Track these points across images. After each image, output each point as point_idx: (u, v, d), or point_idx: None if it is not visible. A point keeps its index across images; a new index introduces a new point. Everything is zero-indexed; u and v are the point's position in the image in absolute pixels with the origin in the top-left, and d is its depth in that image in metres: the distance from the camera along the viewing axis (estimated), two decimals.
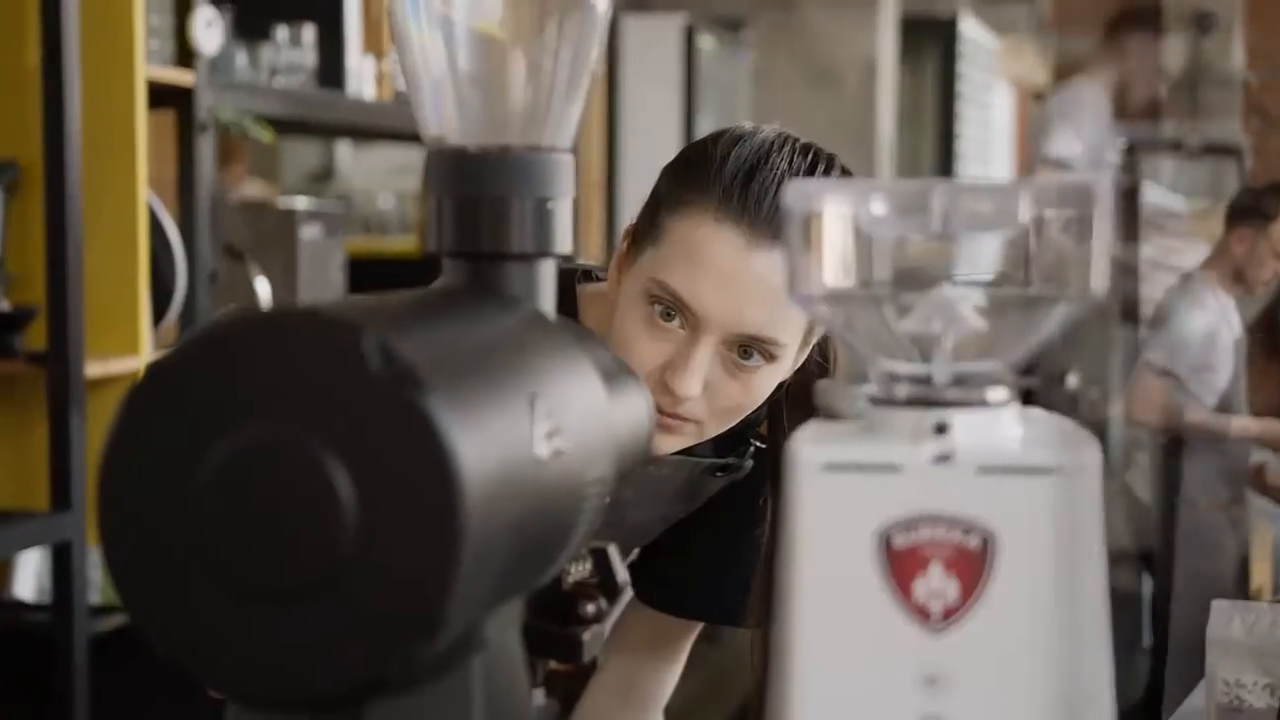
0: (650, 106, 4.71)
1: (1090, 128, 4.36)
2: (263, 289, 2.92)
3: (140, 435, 0.65)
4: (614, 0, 0.84)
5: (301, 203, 3.20)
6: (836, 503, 0.69)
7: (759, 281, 1.25)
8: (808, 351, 1.36)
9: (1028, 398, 0.76)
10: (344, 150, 5.50)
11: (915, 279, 0.73)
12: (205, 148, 2.69)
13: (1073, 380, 4.44)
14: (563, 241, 0.83)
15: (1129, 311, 4.44)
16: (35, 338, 2.44)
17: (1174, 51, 7.56)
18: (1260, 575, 4.36)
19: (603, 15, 0.85)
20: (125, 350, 2.50)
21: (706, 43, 4.84)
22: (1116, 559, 4.03)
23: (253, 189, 4.16)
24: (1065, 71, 10.04)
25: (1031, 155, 4.86)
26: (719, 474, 1.46)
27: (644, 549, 1.51)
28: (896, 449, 0.69)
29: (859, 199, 0.71)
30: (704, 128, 5.51)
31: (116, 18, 2.50)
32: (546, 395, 0.72)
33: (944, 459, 0.69)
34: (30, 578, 2.76)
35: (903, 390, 0.72)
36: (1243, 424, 4.36)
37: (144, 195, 2.52)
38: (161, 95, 2.65)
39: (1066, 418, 0.76)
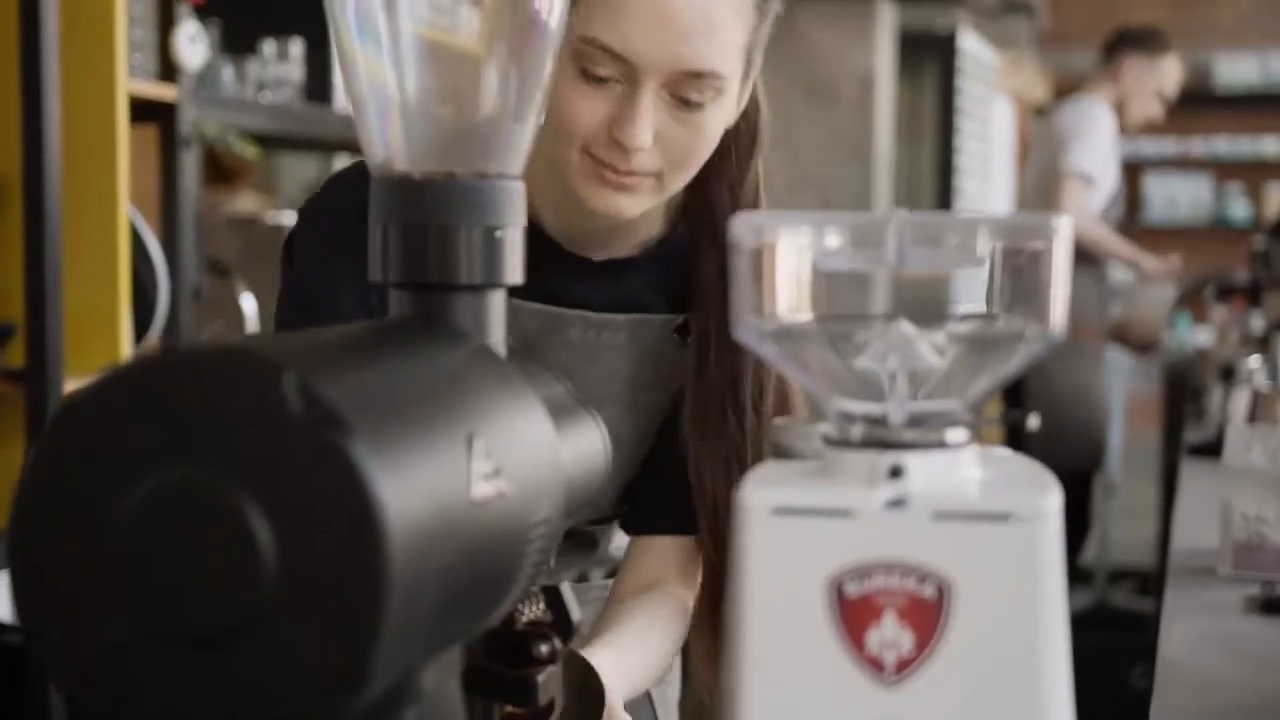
0: None
1: (1103, 142, 4.40)
2: (248, 305, 2.89)
3: (56, 473, 0.62)
4: (566, 22, 0.82)
5: (291, 217, 3.17)
6: (786, 549, 0.66)
7: (688, 12, 1.19)
8: (750, 88, 1.32)
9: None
10: (342, 163, 5.48)
11: (870, 314, 0.70)
12: (188, 163, 2.66)
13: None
14: (513, 271, 0.80)
15: None
16: (14, 355, 2.41)
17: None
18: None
19: (554, 35, 0.82)
20: (105, 368, 2.47)
21: None
22: None
23: (248, 202, 4.13)
24: (1065, 85, 10.04)
25: (1032, 170, 4.80)
26: (677, 335, 1.40)
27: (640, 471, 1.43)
28: (849, 493, 0.67)
29: (811, 231, 0.68)
30: None
31: (98, 31, 2.47)
32: (487, 434, 0.69)
33: (898, 504, 0.66)
34: (7, 597, 2.73)
35: (857, 431, 0.69)
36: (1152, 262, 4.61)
37: (125, 210, 2.49)
38: (145, 110, 2.62)
39: (1029, 458, 0.73)
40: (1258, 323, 4.21)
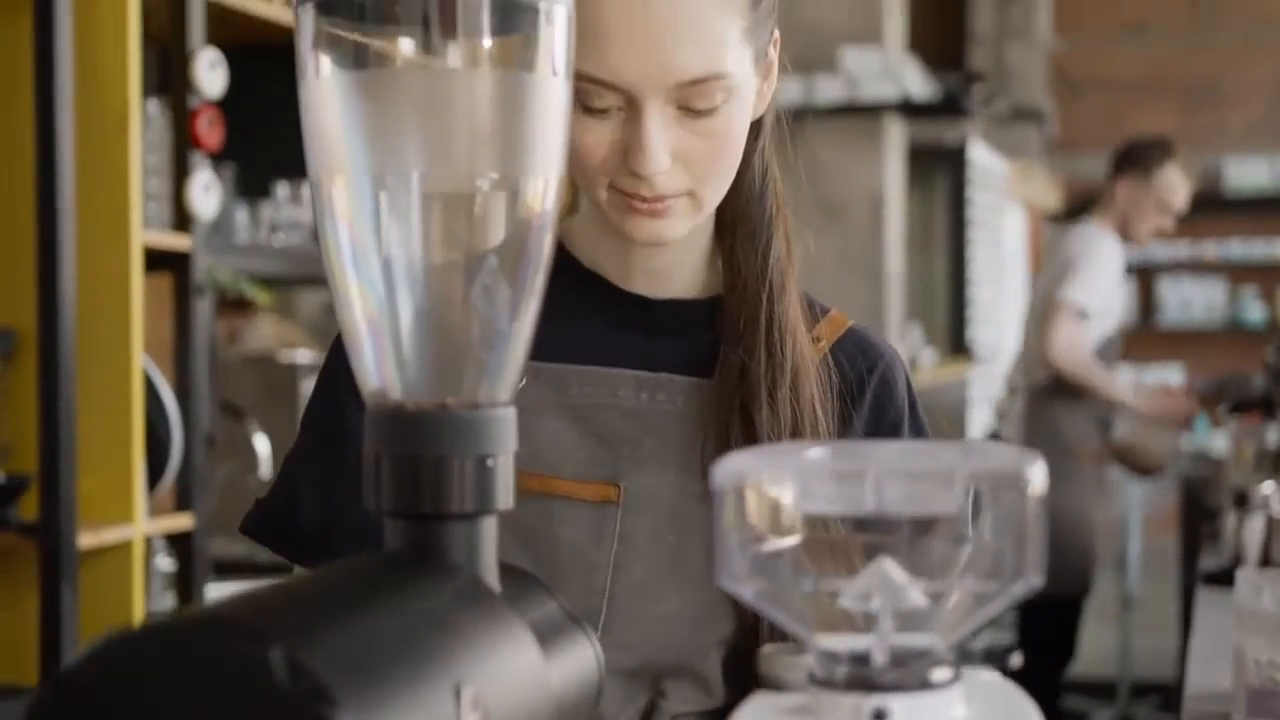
0: None
1: (1105, 275, 4.40)
2: (262, 447, 2.91)
3: None
4: (553, 252, 0.83)
5: (304, 356, 3.20)
6: None
7: (667, 22, 1.11)
8: (774, 73, 1.23)
9: None
10: None
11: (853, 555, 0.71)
12: (202, 310, 2.69)
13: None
14: (504, 498, 0.81)
15: None
16: (28, 507, 2.42)
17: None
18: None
19: (543, 270, 0.83)
20: (119, 519, 2.49)
21: None
22: None
23: (266, 327, 4.17)
24: (1076, 191, 10.10)
25: (1038, 290, 4.80)
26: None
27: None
28: None
29: (791, 476, 0.69)
30: None
31: (114, 183, 2.51)
32: (475, 679, 0.69)
33: None
34: None
35: (841, 672, 0.69)
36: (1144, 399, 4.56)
37: (139, 362, 2.51)
38: (159, 259, 2.66)
39: (1015, 685, 0.73)
40: (1274, 435, 4.20)
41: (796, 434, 1.24)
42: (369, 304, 0.81)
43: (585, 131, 1.15)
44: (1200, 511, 4.58)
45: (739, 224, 1.28)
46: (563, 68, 0.79)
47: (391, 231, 0.80)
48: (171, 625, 0.61)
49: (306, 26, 0.79)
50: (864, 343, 1.32)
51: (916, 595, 0.69)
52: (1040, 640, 4.55)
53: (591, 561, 1.23)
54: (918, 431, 1.32)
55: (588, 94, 1.13)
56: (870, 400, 1.30)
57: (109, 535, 2.47)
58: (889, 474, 0.68)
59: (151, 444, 2.56)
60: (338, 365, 1.28)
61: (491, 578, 0.80)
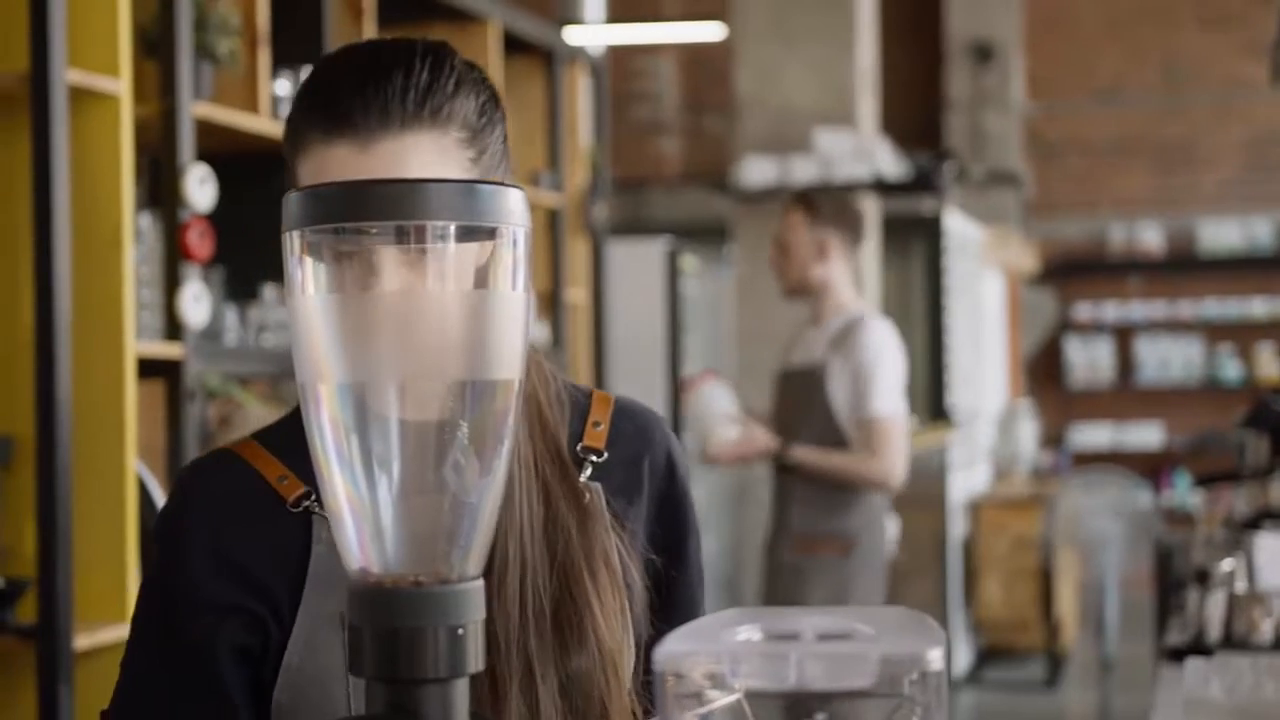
0: (636, 326, 4.83)
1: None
2: None
3: None
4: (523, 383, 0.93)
5: None
6: None
7: (385, 175, 1.19)
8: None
9: None
10: None
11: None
12: (192, 415, 2.79)
13: None
14: (475, 661, 0.91)
15: None
16: (25, 610, 2.51)
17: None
18: None
19: (507, 448, 0.93)
20: (114, 619, 2.57)
21: (689, 263, 4.97)
22: None
23: (256, 413, 4.25)
24: (1053, 254, 10.24)
25: (1020, 343, 4.94)
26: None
27: None
28: None
29: (724, 660, 0.79)
30: (689, 344, 5.64)
31: (108, 296, 2.61)
32: None
33: None
34: None
35: None
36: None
37: (133, 467, 2.61)
38: (152, 366, 2.76)
39: None
40: (1241, 505, 4.28)
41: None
42: (350, 493, 0.91)
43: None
44: (1171, 576, 4.65)
45: None
46: (522, 283, 0.90)
47: (370, 430, 0.90)
48: None
49: (295, 249, 0.90)
50: (632, 412, 1.38)
51: None
52: None
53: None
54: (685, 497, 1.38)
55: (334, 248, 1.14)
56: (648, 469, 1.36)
57: (104, 635, 2.55)
58: (808, 656, 0.78)
59: (145, 545, 2.64)
60: (177, 555, 1.27)
61: None
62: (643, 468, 1.35)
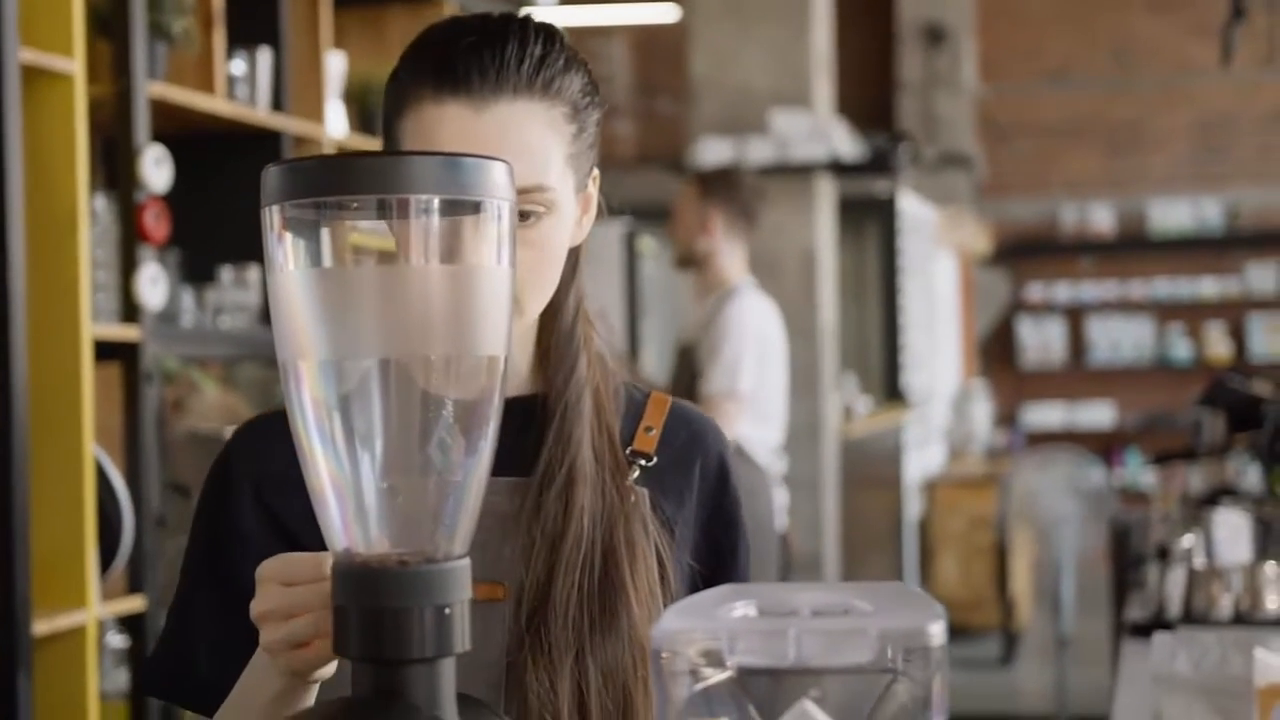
0: (594, 308, 4.79)
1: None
2: None
3: None
4: (500, 421, 0.92)
5: None
6: None
7: (500, 131, 1.19)
8: (593, 207, 1.31)
9: None
10: None
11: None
12: (150, 397, 2.75)
13: None
14: (461, 641, 0.90)
15: None
16: None
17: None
18: None
19: (493, 426, 0.92)
20: (73, 605, 2.54)
21: (646, 245, 4.96)
22: None
23: (211, 397, 4.21)
24: (1005, 235, 10.28)
25: (974, 324, 4.97)
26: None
27: None
28: None
29: (722, 636, 0.78)
30: (647, 327, 5.63)
31: (64, 279, 2.57)
32: None
33: None
34: None
35: None
36: None
37: (90, 451, 2.57)
38: (108, 349, 2.72)
39: None
40: (1196, 482, 4.31)
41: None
42: (334, 472, 0.89)
43: None
44: (1128, 554, 4.68)
45: (551, 351, 1.33)
46: (507, 257, 0.88)
47: (353, 407, 0.88)
48: None
49: (274, 225, 0.88)
50: (687, 418, 1.38)
51: None
52: None
53: (483, 659, 1.27)
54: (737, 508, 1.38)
55: None
56: (699, 475, 1.36)
57: (63, 621, 2.52)
58: (807, 631, 0.77)
59: (103, 529, 2.61)
60: (216, 497, 1.31)
61: (451, 715, 0.88)
62: (693, 474, 1.35)
